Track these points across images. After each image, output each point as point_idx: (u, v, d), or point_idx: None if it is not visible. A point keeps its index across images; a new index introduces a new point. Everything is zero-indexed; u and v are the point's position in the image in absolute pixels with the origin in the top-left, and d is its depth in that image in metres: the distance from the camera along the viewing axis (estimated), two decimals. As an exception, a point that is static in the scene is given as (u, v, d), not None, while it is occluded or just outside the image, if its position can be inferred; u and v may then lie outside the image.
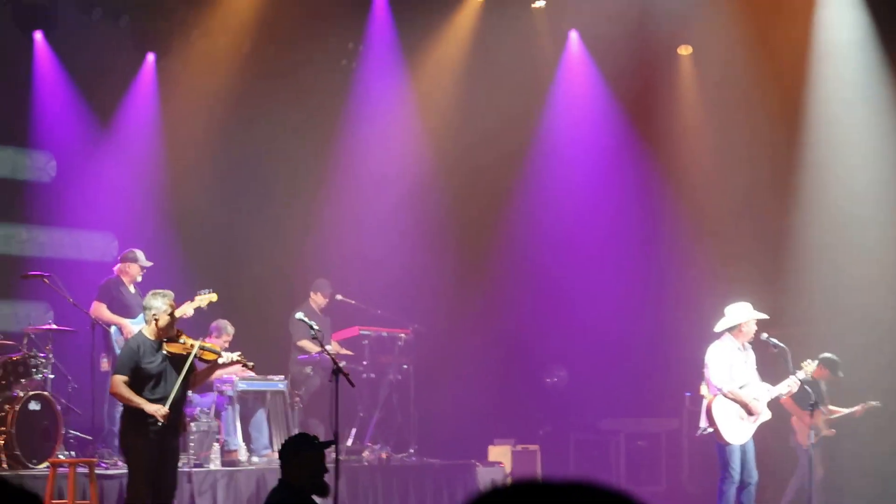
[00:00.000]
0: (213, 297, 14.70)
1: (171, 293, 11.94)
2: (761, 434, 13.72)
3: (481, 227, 19.64)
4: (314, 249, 18.24)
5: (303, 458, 8.79)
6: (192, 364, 11.76)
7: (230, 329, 15.70)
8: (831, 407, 16.27)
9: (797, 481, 16.10)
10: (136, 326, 13.56)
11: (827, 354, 15.94)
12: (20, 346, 14.03)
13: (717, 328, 13.70)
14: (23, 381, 13.68)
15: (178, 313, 14.61)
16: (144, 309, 11.86)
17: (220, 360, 11.99)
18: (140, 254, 15.38)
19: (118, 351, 13.36)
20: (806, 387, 13.66)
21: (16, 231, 16.64)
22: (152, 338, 11.64)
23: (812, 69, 19.00)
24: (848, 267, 18.56)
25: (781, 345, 13.45)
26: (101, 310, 15.03)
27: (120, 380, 11.46)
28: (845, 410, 16.36)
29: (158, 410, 11.33)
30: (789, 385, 13.67)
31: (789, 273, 18.79)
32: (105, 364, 14.66)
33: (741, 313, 13.64)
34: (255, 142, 18.35)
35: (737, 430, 13.51)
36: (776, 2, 18.99)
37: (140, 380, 11.49)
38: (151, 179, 17.78)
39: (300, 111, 18.45)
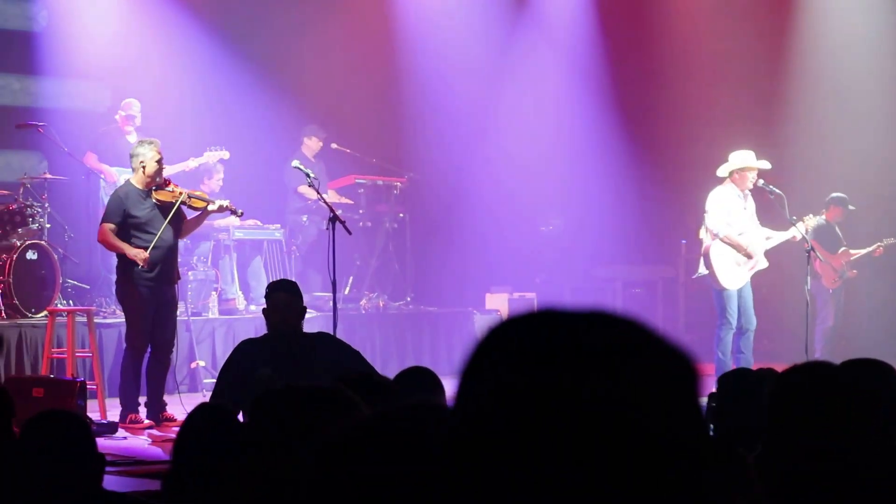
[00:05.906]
0: (225, 153, 14.62)
1: (157, 141, 11.87)
2: (759, 281, 13.73)
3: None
4: (306, 97, 17.98)
5: (272, 301, 8.39)
6: (180, 211, 11.73)
7: (220, 167, 15.55)
8: (850, 249, 16.31)
9: (822, 325, 16.07)
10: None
11: (834, 194, 16.03)
12: (16, 195, 13.99)
13: (719, 172, 13.66)
14: (20, 230, 13.63)
15: (180, 167, 14.55)
16: (131, 157, 11.76)
17: (210, 207, 11.93)
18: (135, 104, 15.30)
19: (105, 200, 13.28)
20: (820, 231, 13.69)
21: (7, 81, 16.45)
22: (140, 186, 11.58)
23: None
24: (846, 115, 18.53)
25: (778, 191, 13.49)
26: (91, 160, 15.06)
27: (107, 227, 11.44)
28: (863, 251, 16.34)
29: (139, 254, 11.30)
30: (791, 234, 13.74)
31: (788, 123, 18.70)
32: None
33: (743, 158, 13.59)
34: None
35: (733, 276, 13.51)
36: None
37: (129, 228, 11.46)
38: (155, 31, 17.30)
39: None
